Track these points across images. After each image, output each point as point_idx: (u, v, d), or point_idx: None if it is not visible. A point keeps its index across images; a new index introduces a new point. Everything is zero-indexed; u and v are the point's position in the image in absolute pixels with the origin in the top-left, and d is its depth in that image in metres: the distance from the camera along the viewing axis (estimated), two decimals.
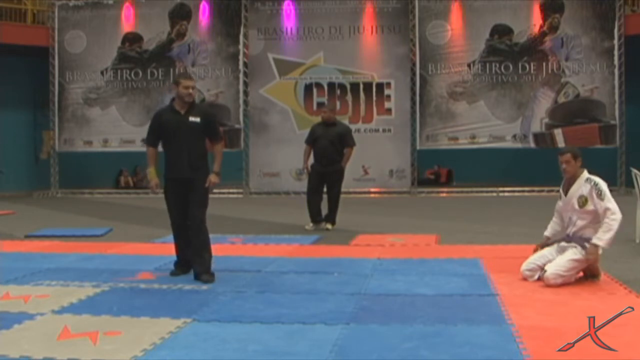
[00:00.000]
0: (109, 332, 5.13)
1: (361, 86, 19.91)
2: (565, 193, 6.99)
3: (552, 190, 18.89)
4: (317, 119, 12.84)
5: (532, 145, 19.54)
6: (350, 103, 19.91)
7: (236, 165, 20.21)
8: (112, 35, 21.04)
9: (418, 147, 19.88)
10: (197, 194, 7.36)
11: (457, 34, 19.95)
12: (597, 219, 6.67)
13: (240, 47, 20.34)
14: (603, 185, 6.74)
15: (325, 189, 11.71)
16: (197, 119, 7.31)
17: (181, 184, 7.33)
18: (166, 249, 8.88)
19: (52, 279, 7.25)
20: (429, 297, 6.23)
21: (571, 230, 6.89)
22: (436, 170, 22.07)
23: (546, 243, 7.20)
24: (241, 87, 20.28)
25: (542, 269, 6.79)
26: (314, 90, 19.89)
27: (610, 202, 6.60)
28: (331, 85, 19.96)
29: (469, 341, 4.77)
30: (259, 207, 16.51)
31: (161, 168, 7.49)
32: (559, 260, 6.71)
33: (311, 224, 11.62)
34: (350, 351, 4.65)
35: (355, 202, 16.51)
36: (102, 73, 20.96)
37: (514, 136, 19.57)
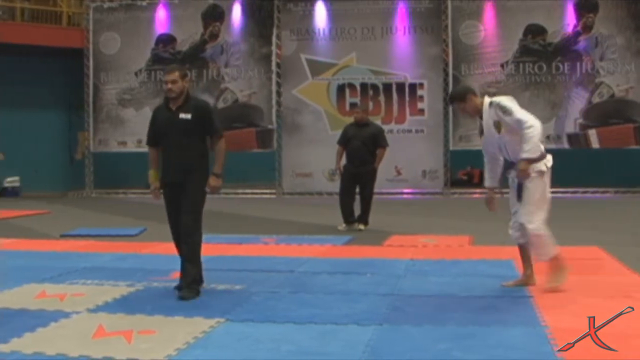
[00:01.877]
0: (143, 331, 5.17)
1: (394, 87, 19.86)
2: (482, 131, 6.67)
3: (586, 192, 18.84)
4: (350, 120, 12.84)
5: (566, 145, 19.36)
6: (382, 104, 19.87)
7: (269, 166, 20.28)
8: (145, 37, 21.19)
9: (451, 148, 19.80)
10: (187, 200, 6.55)
11: (490, 34, 19.84)
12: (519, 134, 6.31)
13: (273, 47, 20.38)
14: (505, 101, 6.40)
15: (357, 190, 11.71)
16: (188, 116, 6.51)
17: (173, 189, 6.61)
18: (202, 249, 8.93)
19: (87, 278, 7.33)
20: (462, 298, 6.21)
21: (508, 155, 6.55)
22: (469, 171, 21.94)
23: (492, 194, 7.06)
24: (274, 87, 20.32)
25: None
26: (347, 90, 19.88)
27: (518, 114, 6.27)
28: (364, 86, 19.93)
29: (502, 343, 4.75)
30: (291, 208, 16.54)
31: None
32: (521, 210, 6.55)
33: (344, 225, 11.62)
34: (383, 352, 4.65)
35: (388, 203, 16.48)
36: (136, 74, 21.11)
37: (548, 137, 19.37)
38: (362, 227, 11.58)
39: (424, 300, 6.14)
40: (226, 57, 20.77)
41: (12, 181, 22.01)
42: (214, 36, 20.87)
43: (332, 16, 20.32)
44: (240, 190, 20.78)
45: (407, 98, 19.84)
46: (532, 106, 19.13)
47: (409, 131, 19.85)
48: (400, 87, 19.86)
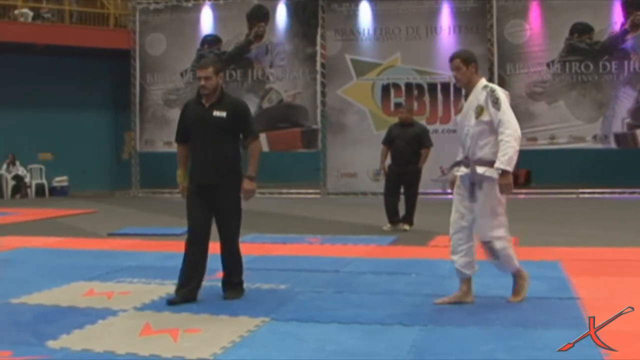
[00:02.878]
0: (189, 330, 5.21)
1: (439, 86, 19.78)
2: (460, 110, 6.16)
3: (634, 192, 18.61)
4: (395, 120, 12.81)
5: (613, 145, 19.15)
6: (427, 103, 19.81)
7: (314, 166, 20.31)
8: (191, 38, 21.37)
9: None
10: (227, 205, 6.26)
11: (535, 33, 19.69)
12: (493, 132, 5.75)
13: (318, 48, 20.42)
14: (501, 92, 5.84)
15: (402, 190, 11.68)
16: (223, 114, 6.15)
17: (206, 191, 6.23)
18: (245, 249, 8.93)
19: (134, 277, 7.40)
20: (504, 299, 6.16)
21: (469, 148, 5.91)
22: (514, 171, 21.75)
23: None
24: (318, 88, 20.36)
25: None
26: (391, 90, 19.85)
27: (505, 114, 5.69)
28: (408, 86, 19.88)
29: (548, 345, 4.71)
30: (336, 208, 16.54)
31: None
32: (480, 222, 5.98)
33: (388, 225, 11.61)
34: (428, 353, 4.64)
35: (433, 203, 16.39)
36: (181, 75, 21.30)
37: (594, 137, 19.21)
38: (406, 227, 11.56)
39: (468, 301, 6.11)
40: (271, 58, 20.86)
41: (60, 181, 22.37)
42: (259, 37, 20.97)
43: (377, 16, 20.30)
44: (285, 190, 20.85)
45: (451, 98, 19.73)
46: (579, 106, 19.05)
47: (454, 131, 19.46)
48: (445, 87, 19.76)
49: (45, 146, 22.34)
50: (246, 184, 6.23)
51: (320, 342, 4.87)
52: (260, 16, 21.01)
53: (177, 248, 8.92)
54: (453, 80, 18.97)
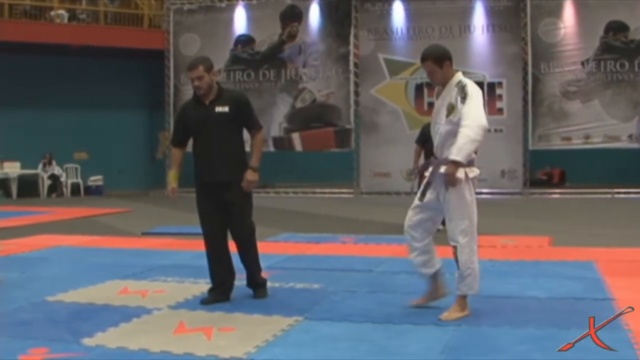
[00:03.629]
0: (222, 328, 5.24)
1: None
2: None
3: None
4: (428, 119, 12.69)
5: None
6: None
7: (347, 165, 20.31)
8: (224, 38, 21.45)
9: (530, 148, 19.57)
10: (239, 200, 6.19)
11: (570, 31, 19.51)
12: None
13: (351, 47, 20.41)
14: (472, 87, 5.51)
15: None
16: (225, 109, 6.10)
17: (216, 189, 6.20)
18: (278, 248, 9.02)
19: (168, 275, 7.47)
20: (541, 300, 6.12)
21: (437, 146, 5.67)
22: (549, 170, 21.62)
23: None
24: (352, 87, 20.36)
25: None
26: (425, 90, 19.76)
27: (468, 106, 5.37)
28: None
29: (583, 346, 4.64)
30: (369, 207, 16.53)
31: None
32: (449, 225, 5.72)
33: None
34: (461, 353, 4.62)
35: None
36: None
37: (630, 136, 19.01)
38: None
39: (502, 301, 6.08)
40: (304, 57, 20.89)
41: (95, 180, 22.57)
42: (292, 36, 21.00)
43: (410, 15, 20.26)
44: (318, 190, 20.88)
45: (485, 97, 19.58)
46: (614, 105, 18.87)
47: (488, 130, 19.51)
48: (479, 86, 19.61)
49: (81, 146, 22.56)
50: (249, 175, 6.11)
51: (354, 341, 4.88)
52: (294, 16, 21.05)
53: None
54: (487, 79, 19.00)
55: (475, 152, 5.58)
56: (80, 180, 22.41)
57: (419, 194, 5.82)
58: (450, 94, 5.55)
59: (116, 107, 22.68)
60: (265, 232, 11.24)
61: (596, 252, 8.70)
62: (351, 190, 20.41)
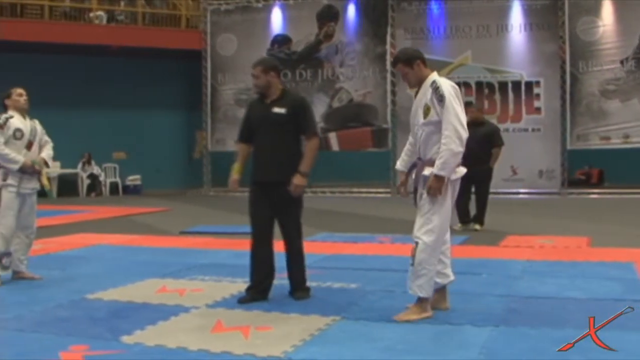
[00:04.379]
0: (260, 327, 5.26)
1: (509, 85, 19.58)
2: None
3: None
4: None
5: None
6: (498, 102, 19.62)
7: (384, 165, 20.28)
8: (261, 38, 21.51)
9: (568, 147, 19.38)
10: (288, 199, 6.21)
11: (608, 29, 19.29)
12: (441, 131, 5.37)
13: (388, 47, 20.36)
14: (445, 86, 5.41)
15: (473, 189, 11.59)
16: (283, 110, 6.17)
17: (267, 189, 6.23)
18: (316, 247, 9.02)
19: (206, 274, 7.51)
20: (580, 300, 6.08)
21: (420, 148, 5.56)
22: (587, 170, 21.43)
23: (405, 179, 5.91)
24: (389, 87, 20.32)
25: None
26: (462, 89, 19.60)
27: (447, 112, 5.27)
28: (479, 84, 19.72)
29: (622, 347, 4.61)
30: (406, 207, 16.39)
31: None
32: (417, 220, 5.53)
33: (459, 225, 11.52)
34: (499, 354, 4.60)
35: (504, 203, 16.26)
36: (251, 75, 21.40)
37: None
38: (477, 227, 11.47)
39: (541, 302, 6.04)
40: (341, 57, 20.89)
41: (134, 179, 22.77)
42: (329, 36, 21.02)
43: (447, 14, 20.19)
44: (355, 190, 20.88)
45: (523, 96, 19.53)
46: None
47: (525, 130, 19.54)
48: (516, 85, 19.56)
49: (120, 146, 22.78)
50: (296, 179, 6.09)
51: (391, 341, 4.87)
52: (330, 16, 21.06)
53: (248, 246, 9.03)
54: (524, 79, 18.85)
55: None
56: (118, 180, 22.63)
57: (413, 201, 5.68)
58: (425, 94, 5.49)
59: (154, 107, 22.88)
60: (303, 231, 11.26)
61: (636, 253, 8.62)
62: (388, 190, 20.36)
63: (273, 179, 6.19)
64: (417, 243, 5.45)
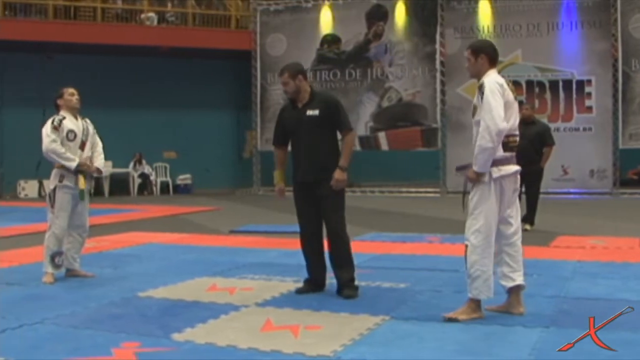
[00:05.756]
0: (309, 326, 5.27)
1: (560, 84, 19.39)
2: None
3: None
4: None
5: None
6: (549, 101, 19.44)
7: (433, 165, 20.21)
8: (311, 38, 21.56)
9: (620, 146, 19.15)
10: (329, 199, 6.38)
11: None
12: None
13: (437, 46, 20.30)
14: (491, 83, 5.49)
15: (523, 189, 11.49)
16: (316, 112, 6.37)
17: (308, 189, 6.43)
18: (365, 247, 9.04)
19: (256, 273, 7.56)
20: (633, 302, 5.95)
21: (473, 144, 5.64)
22: (639, 170, 21.16)
23: None
24: (438, 86, 20.25)
25: None
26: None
27: (482, 108, 5.40)
28: (529, 83, 19.55)
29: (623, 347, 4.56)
30: (455, 207, 16.31)
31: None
32: (466, 223, 5.50)
33: None
34: (550, 355, 4.55)
35: (554, 203, 16.11)
36: None
37: None
38: (528, 227, 11.36)
39: (592, 304, 5.97)
40: (390, 56, 20.86)
41: (184, 179, 22.97)
42: (378, 36, 21.00)
43: (496, 13, 20.05)
44: (404, 189, 20.85)
45: (574, 95, 19.33)
46: None
47: (576, 129, 19.33)
48: (567, 84, 19.36)
49: (170, 145, 23.02)
50: (337, 174, 6.27)
51: (440, 341, 4.86)
52: (380, 15, 21.03)
53: (298, 245, 9.05)
54: (575, 77, 18.64)
55: (512, 150, 5.57)
56: (169, 179, 22.85)
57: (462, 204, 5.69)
58: (476, 93, 5.59)
59: (205, 107, 23.05)
60: (352, 231, 11.22)
61: None
62: (437, 190, 20.31)
63: (315, 178, 6.38)
64: (466, 246, 5.44)
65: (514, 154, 5.58)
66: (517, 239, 5.64)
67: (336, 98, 6.86)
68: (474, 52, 5.73)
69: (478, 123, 5.50)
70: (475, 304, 5.47)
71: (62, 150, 7.17)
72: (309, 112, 6.39)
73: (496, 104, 5.39)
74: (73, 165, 7.18)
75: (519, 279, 5.57)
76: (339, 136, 6.56)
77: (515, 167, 5.57)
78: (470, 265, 5.40)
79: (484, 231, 5.40)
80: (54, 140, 7.15)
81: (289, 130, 6.57)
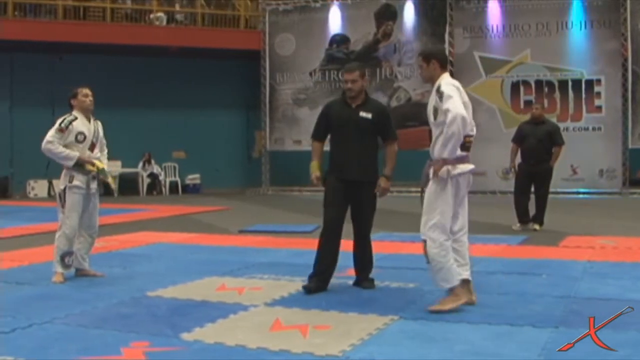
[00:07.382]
0: (318, 326, 5.27)
1: (570, 83, 19.35)
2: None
3: None
4: (524, 118, 12.64)
5: None
6: (558, 101, 19.39)
7: None
8: (319, 37, 21.58)
9: (630, 146, 19.10)
10: (367, 199, 6.64)
11: None
12: None
13: (446, 46, 20.24)
14: (446, 85, 5.63)
15: (532, 189, 11.49)
16: (369, 115, 6.55)
17: (348, 186, 6.58)
18: (374, 247, 8.98)
19: (265, 273, 7.57)
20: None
21: (431, 146, 5.80)
22: None
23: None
24: None
25: None
26: (521, 88, 19.52)
27: (448, 102, 5.49)
28: (538, 83, 19.51)
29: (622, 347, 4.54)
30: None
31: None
32: (422, 219, 5.85)
33: (518, 224, 11.44)
34: (560, 355, 4.54)
35: (564, 203, 16.08)
36: (310, 74, 21.52)
37: None
38: (537, 227, 11.36)
39: (602, 304, 5.95)
40: (399, 56, 20.87)
41: (193, 178, 23.01)
42: (387, 35, 20.99)
43: (506, 13, 20.03)
44: (413, 189, 20.79)
45: (583, 95, 19.28)
46: None
47: (586, 129, 19.28)
48: (577, 83, 19.31)
49: (179, 145, 23.04)
50: (383, 182, 6.58)
51: (449, 341, 4.85)
52: (389, 15, 21.03)
53: (307, 245, 9.09)
54: (585, 77, 18.62)
55: (467, 149, 5.82)
56: (178, 179, 22.89)
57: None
58: (433, 96, 5.73)
59: (213, 107, 23.08)
60: None
61: None
62: None
63: (359, 178, 6.58)
64: (424, 241, 5.72)
65: (469, 153, 5.85)
66: (463, 234, 5.89)
67: (388, 109, 7.17)
68: (425, 58, 5.89)
69: (439, 125, 5.64)
70: (456, 290, 5.65)
71: (59, 149, 7.17)
72: (362, 114, 6.55)
73: (457, 98, 5.59)
74: (71, 163, 7.19)
75: (465, 273, 5.79)
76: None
77: (470, 166, 5.83)
78: (432, 259, 5.65)
79: (440, 225, 5.67)
80: (49, 142, 7.15)
81: (336, 126, 6.67)
